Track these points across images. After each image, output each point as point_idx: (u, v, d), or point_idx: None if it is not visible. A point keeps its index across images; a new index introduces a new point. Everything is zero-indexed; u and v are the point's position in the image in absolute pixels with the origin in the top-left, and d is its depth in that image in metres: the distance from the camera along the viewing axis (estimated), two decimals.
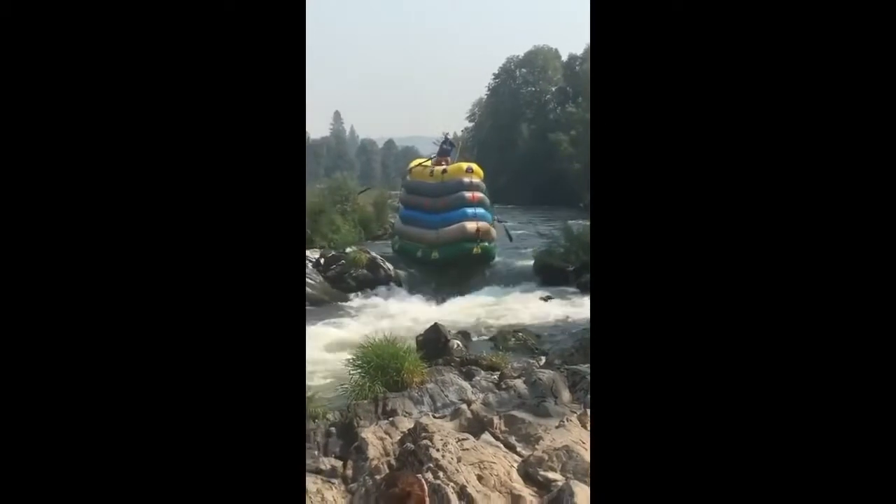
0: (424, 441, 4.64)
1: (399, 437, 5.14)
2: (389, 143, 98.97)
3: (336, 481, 4.92)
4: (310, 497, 4.51)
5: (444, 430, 4.93)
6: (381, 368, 6.79)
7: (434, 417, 5.73)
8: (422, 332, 9.81)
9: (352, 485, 4.82)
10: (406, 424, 5.39)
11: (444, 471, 4.28)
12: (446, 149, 17.64)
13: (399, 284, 14.83)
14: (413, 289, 14.54)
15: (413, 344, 9.20)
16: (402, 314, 12.71)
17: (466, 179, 15.56)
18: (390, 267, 15.03)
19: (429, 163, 16.92)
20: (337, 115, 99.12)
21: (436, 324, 9.96)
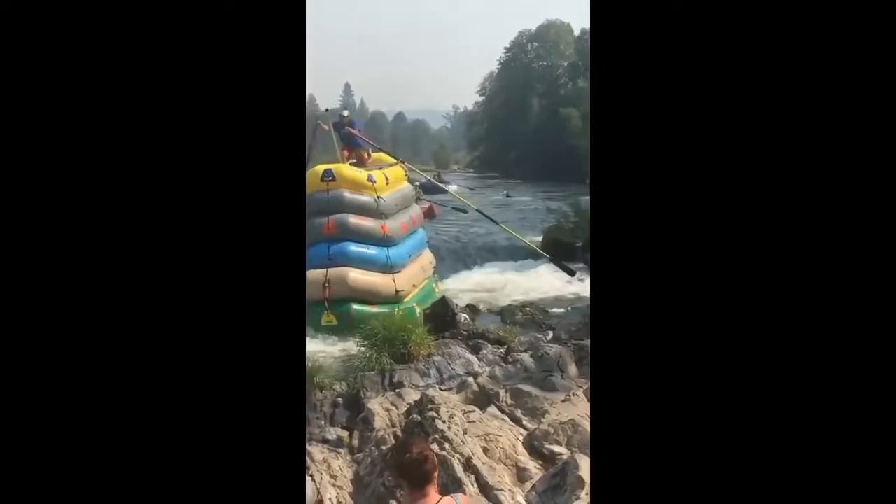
0: (430, 413, 4.66)
1: (405, 409, 5.17)
2: (399, 116, 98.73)
3: (342, 451, 4.96)
4: (316, 466, 4.55)
5: (450, 403, 4.95)
6: (389, 340, 6.82)
7: (440, 390, 5.75)
8: (428, 306, 9.82)
9: (357, 454, 4.85)
10: (412, 396, 5.41)
11: (450, 442, 4.30)
12: (348, 136, 11.12)
13: None
14: None
15: (420, 317, 9.24)
16: None
17: (323, 194, 9.37)
18: None
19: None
20: (347, 88, 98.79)
21: (443, 297, 9.97)
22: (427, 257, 11.30)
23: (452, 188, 33.48)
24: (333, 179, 9.47)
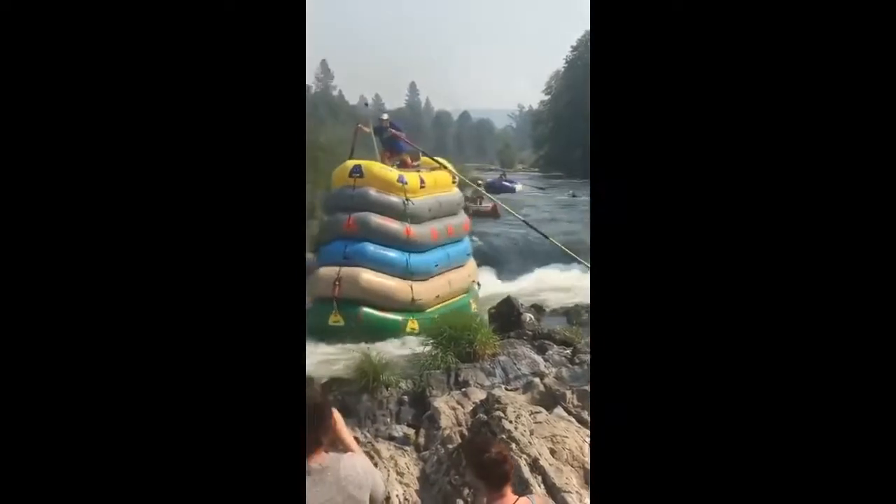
0: (497, 413, 4.66)
1: (471, 408, 5.18)
2: (464, 116, 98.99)
3: (409, 448, 4.99)
4: (384, 462, 4.60)
5: (516, 403, 4.94)
6: (454, 339, 6.85)
7: (506, 390, 5.75)
8: (494, 306, 9.81)
9: (424, 452, 4.89)
10: (478, 395, 5.42)
11: (517, 443, 4.30)
12: (391, 140, 10.54)
13: None
14: (483, 263, 14.28)
15: (485, 317, 9.24)
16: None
17: (349, 190, 9.17)
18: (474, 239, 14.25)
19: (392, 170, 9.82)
20: (413, 87, 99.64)
21: (508, 297, 9.92)
22: (465, 271, 10.50)
23: (518, 187, 33.42)
24: (361, 176, 9.09)
